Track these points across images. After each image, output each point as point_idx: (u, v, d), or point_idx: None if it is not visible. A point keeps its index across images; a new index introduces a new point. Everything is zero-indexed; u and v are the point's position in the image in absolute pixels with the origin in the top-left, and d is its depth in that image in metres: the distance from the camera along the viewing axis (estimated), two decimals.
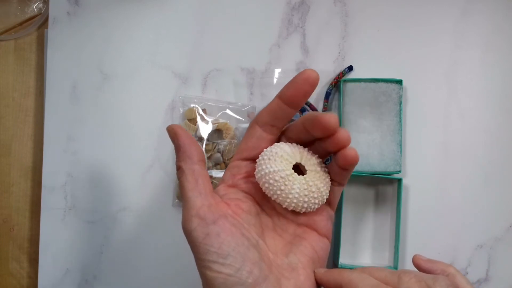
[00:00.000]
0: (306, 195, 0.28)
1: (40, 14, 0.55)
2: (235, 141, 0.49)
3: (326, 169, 0.30)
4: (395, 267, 0.46)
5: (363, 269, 0.27)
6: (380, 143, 0.47)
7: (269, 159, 0.29)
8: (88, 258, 0.50)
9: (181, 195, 0.29)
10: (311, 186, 0.28)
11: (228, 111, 0.49)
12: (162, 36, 0.51)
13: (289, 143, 0.30)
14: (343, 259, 0.46)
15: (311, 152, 0.30)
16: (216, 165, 0.48)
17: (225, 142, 0.48)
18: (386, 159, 0.47)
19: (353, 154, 0.27)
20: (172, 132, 0.30)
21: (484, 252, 0.49)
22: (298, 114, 0.48)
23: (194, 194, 0.27)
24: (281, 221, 0.30)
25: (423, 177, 0.49)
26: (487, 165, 0.49)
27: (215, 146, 0.48)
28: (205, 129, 0.48)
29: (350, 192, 0.48)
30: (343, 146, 0.27)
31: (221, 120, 0.49)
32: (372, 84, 0.48)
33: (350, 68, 0.49)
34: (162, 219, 0.50)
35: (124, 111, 0.51)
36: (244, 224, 0.27)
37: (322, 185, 0.29)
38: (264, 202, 0.30)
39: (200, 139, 0.48)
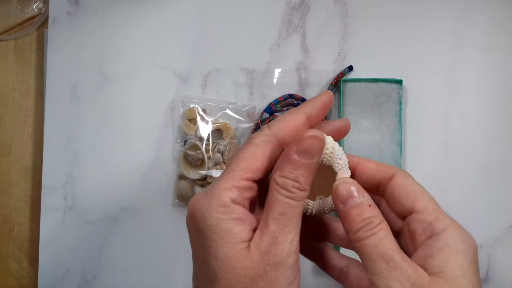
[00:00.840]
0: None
1: (40, 14, 0.55)
2: (235, 141, 0.49)
3: (347, 160, 0.29)
4: None
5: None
6: (380, 143, 0.47)
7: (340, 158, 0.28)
8: (88, 258, 0.50)
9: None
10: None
11: (228, 111, 0.49)
12: (162, 36, 0.51)
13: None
14: None
15: (334, 141, 0.28)
16: (216, 165, 0.48)
17: (225, 142, 0.48)
18: (386, 159, 0.47)
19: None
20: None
21: (484, 252, 0.49)
22: None
23: None
24: None
25: (423, 177, 0.49)
26: (487, 165, 0.49)
27: (215, 146, 0.48)
28: (205, 129, 0.48)
29: None
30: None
31: (221, 120, 0.49)
32: (372, 84, 0.48)
33: (350, 68, 0.49)
34: (162, 219, 0.50)
35: (124, 111, 0.51)
36: None
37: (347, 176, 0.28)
38: None
39: (200, 139, 0.48)
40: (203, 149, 0.48)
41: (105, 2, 0.52)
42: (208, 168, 0.48)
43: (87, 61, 0.52)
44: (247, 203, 0.25)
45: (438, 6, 0.50)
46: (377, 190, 0.28)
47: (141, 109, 0.51)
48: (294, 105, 0.49)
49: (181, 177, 0.49)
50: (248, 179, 0.25)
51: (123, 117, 0.51)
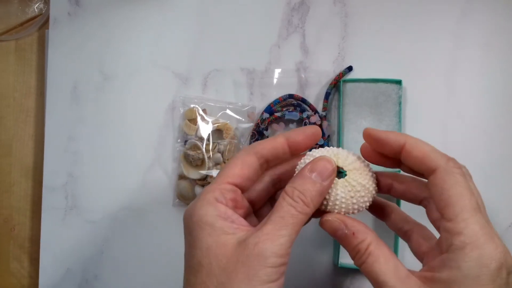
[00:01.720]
0: (352, 197, 0.28)
1: (40, 14, 0.55)
2: (235, 141, 0.49)
3: (366, 163, 0.30)
4: None
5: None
6: None
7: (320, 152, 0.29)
8: (88, 258, 0.51)
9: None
10: (355, 186, 0.28)
11: (228, 111, 0.50)
12: (162, 36, 0.52)
13: (321, 148, 0.30)
14: (343, 259, 0.46)
15: (346, 150, 0.30)
16: (216, 165, 0.48)
17: (225, 142, 0.49)
18: None
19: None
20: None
21: None
22: (296, 113, 0.48)
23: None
24: None
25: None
26: (487, 165, 0.49)
27: (215, 146, 0.49)
28: (205, 129, 0.49)
29: None
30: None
31: (221, 120, 0.49)
32: (372, 85, 0.48)
33: (350, 69, 0.49)
34: (162, 219, 0.50)
35: (124, 111, 0.51)
36: None
37: (366, 181, 0.28)
38: None
39: (201, 139, 0.48)
40: (203, 149, 0.48)
41: (106, 3, 0.52)
42: (209, 168, 0.48)
43: (88, 61, 0.52)
44: (230, 203, 0.28)
45: (438, 6, 0.50)
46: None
47: (141, 109, 0.51)
48: (294, 105, 0.49)
49: (182, 177, 0.50)
50: (228, 183, 0.29)
51: (124, 117, 0.51)
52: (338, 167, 0.29)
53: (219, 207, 0.28)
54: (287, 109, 0.49)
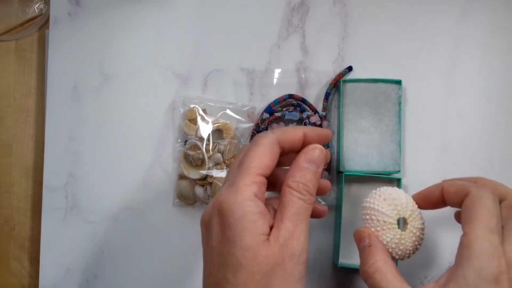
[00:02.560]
0: (393, 248, 0.32)
1: (41, 14, 0.55)
2: (235, 141, 0.49)
3: (423, 231, 0.34)
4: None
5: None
6: (379, 143, 0.47)
7: (384, 199, 0.33)
8: (89, 258, 0.51)
9: None
10: (400, 245, 0.32)
11: (228, 111, 0.50)
12: (162, 36, 0.52)
13: (404, 192, 0.34)
14: (343, 259, 0.46)
15: (419, 210, 0.34)
16: (217, 165, 0.48)
17: (225, 142, 0.49)
18: (386, 159, 0.47)
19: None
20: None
21: None
22: (296, 113, 0.48)
23: None
24: None
25: (422, 177, 0.49)
26: (487, 165, 0.49)
27: (216, 146, 0.49)
28: (205, 129, 0.49)
29: (350, 192, 0.48)
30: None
31: (221, 120, 0.49)
32: (372, 85, 0.48)
33: (350, 69, 0.49)
34: (162, 219, 0.50)
35: (124, 111, 0.51)
36: None
37: (411, 247, 0.33)
38: None
39: (201, 139, 0.49)
40: (204, 149, 0.48)
41: (106, 3, 0.52)
42: (209, 168, 0.48)
43: (88, 61, 0.52)
44: (264, 198, 0.29)
45: (438, 6, 0.50)
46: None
47: (141, 109, 0.51)
48: (294, 105, 0.49)
49: (182, 176, 0.50)
50: (261, 175, 0.28)
51: (124, 117, 0.51)
52: (404, 219, 0.33)
53: (259, 204, 0.27)
54: (287, 109, 0.49)
